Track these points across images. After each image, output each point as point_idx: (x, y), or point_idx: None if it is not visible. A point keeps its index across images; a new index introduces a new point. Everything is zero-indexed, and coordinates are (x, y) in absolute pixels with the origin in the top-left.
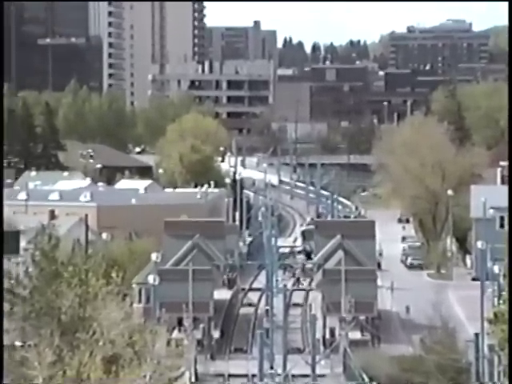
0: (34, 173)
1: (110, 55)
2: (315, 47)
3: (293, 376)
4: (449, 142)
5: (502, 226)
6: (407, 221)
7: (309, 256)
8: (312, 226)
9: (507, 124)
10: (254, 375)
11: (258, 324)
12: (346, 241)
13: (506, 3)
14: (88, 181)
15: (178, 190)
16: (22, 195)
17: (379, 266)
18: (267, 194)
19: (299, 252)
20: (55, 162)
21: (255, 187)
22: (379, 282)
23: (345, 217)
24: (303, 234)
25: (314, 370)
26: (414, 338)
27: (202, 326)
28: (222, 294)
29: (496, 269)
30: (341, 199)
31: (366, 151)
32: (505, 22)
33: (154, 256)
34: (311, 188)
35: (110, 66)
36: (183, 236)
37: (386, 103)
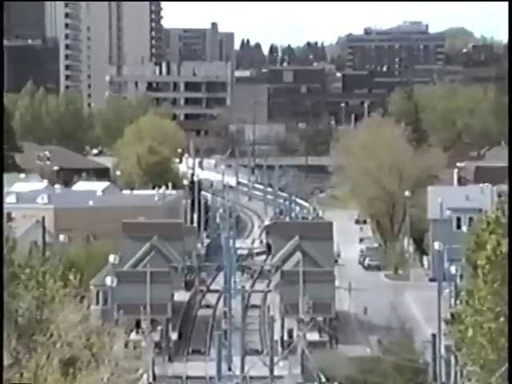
0: None
1: (66, 57)
2: (273, 49)
3: (251, 378)
4: (406, 144)
5: (458, 226)
6: (364, 222)
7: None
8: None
9: (507, 125)
10: (211, 377)
11: (216, 325)
12: (304, 242)
13: (506, 3)
14: (45, 183)
15: (135, 191)
16: None
17: (339, 255)
18: (225, 195)
19: (257, 253)
20: (12, 163)
21: (213, 189)
22: (337, 283)
23: (303, 218)
24: (267, 228)
25: (272, 371)
26: (372, 338)
27: (159, 327)
28: (181, 296)
29: (453, 269)
30: (299, 201)
31: (324, 153)
32: (460, 23)
33: (111, 258)
34: (269, 189)
35: (67, 67)
36: (141, 238)
37: (343, 104)
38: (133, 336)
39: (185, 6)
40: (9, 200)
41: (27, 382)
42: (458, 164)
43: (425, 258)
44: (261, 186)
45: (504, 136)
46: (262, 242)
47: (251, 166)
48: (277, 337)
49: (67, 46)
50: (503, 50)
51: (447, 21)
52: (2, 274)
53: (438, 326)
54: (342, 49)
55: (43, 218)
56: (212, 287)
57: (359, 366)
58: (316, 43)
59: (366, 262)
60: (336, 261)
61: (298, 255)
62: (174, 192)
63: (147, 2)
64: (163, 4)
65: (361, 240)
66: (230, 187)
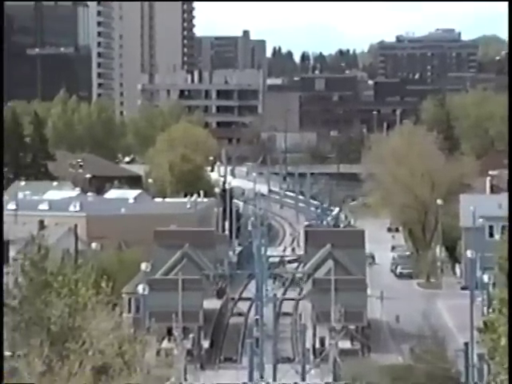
0: (23, 183)
1: (99, 65)
2: (304, 56)
3: None
4: (438, 151)
5: (491, 235)
6: (397, 230)
7: None
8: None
9: (507, 127)
10: None
11: (248, 333)
12: (336, 250)
13: (506, 3)
14: (77, 191)
15: (167, 199)
16: (12, 205)
17: (373, 258)
18: (257, 203)
19: (289, 261)
20: (44, 171)
21: (245, 197)
22: (369, 291)
23: (334, 226)
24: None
25: (303, 379)
26: (404, 347)
27: (191, 335)
28: (212, 304)
29: (485, 278)
30: (331, 208)
31: (356, 160)
32: (493, 31)
33: (143, 266)
34: (301, 197)
35: (99, 75)
36: (173, 246)
37: (375, 112)
38: (165, 344)
39: (217, 14)
40: (41, 207)
41: None
42: (491, 172)
43: (457, 267)
44: (292, 194)
45: None
46: (293, 249)
47: (283, 174)
48: (308, 345)
49: (99, 54)
50: None
51: (480, 28)
52: (2, 278)
53: (470, 334)
54: (374, 56)
55: (75, 226)
56: (244, 295)
57: (391, 374)
58: (348, 51)
59: (398, 270)
60: (373, 258)
61: (330, 263)
62: (205, 200)
63: (179, 10)
64: (195, 12)
65: (393, 248)
66: (262, 195)
